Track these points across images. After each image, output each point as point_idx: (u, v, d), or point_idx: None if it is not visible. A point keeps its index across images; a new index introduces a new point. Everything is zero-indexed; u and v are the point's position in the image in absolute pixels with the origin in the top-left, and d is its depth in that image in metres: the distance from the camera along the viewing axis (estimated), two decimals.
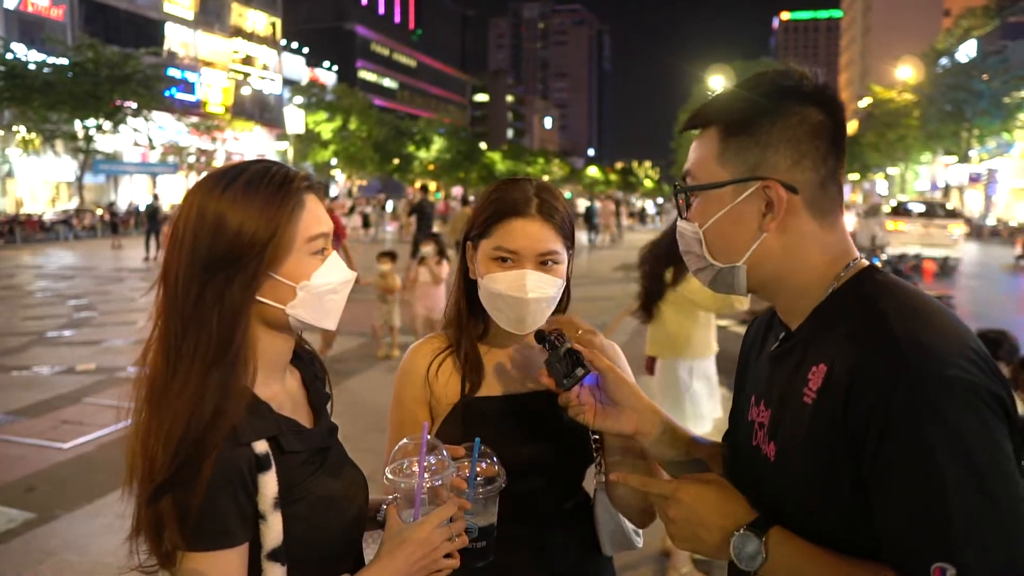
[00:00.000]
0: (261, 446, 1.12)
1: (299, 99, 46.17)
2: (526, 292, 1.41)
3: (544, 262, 1.44)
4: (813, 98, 1.06)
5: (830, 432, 0.96)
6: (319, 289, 1.18)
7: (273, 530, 1.11)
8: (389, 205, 41.91)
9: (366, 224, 30.30)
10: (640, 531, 1.54)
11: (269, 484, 1.11)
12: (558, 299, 1.49)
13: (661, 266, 3.91)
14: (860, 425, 0.92)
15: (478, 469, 1.29)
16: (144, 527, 1.09)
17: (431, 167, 58.31)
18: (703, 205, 1.10)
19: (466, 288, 1.55)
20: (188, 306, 1.10)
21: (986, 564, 0.85)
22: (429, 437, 1.21)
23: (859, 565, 0.95)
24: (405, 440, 1.24)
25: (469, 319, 1.54)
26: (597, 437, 1.48)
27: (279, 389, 1.23)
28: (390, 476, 1.19)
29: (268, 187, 1.14)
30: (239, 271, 1.11)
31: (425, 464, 1.19)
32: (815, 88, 1.06)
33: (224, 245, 1.11)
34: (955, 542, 0.86)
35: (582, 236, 28.23)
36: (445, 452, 1.24)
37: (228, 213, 1.12)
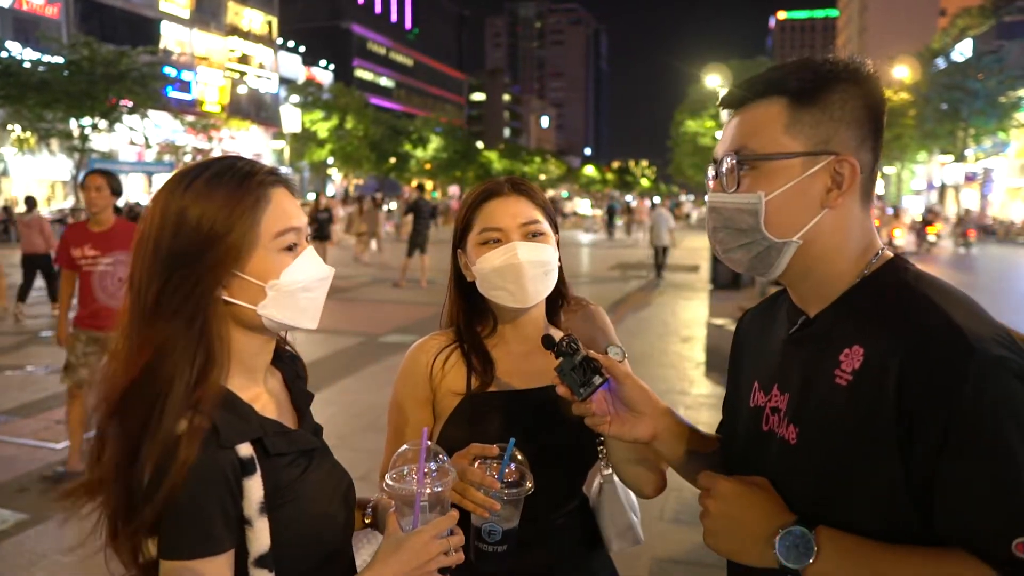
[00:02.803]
0: (245, 449, 1.09)
1: (295, 98, 46.06)
2: (519, 258, 1.44)
3: (530, 234, 1.48)
4: (871, 83, 1.06)
5: (873, 413, 0.95)
6: (290, 287, 1.13)
7: (260, 536, 1.08)
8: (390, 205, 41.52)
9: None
10: (639, 526, 1.55)
11: (254, 488, 1.08)
12: (555, 270, 1.51)
13: None
14: (923, 407, 0.92)
15: (506, 471, 1.28)
16: (120, 536, 1.05)
17: (428, 166, 58.26)
18: (768, 175, 1.06)
19: (459, 294, 1.56)
20: (149, 306, 1.07)
21: None
22: (430, 443, 1.18)
23: (923, 553, 0.94)
24: (405, 446, 1.22)
25: (469, 321, 1.55)
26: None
27: (261, 390, 1.20)
28: (390, 483, 1.17)
29: (230, 182, 1.11)
30: (197, 268, 1.08)
31: (426, 470, 1.16)
32: (872, 74, 1.07)
33: (184, 241, 1.08)
34: None
35: (599, 235, 33.97)
36: (446, 458, 1.21)
37: (189, 209, 1.09)
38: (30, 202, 12.64)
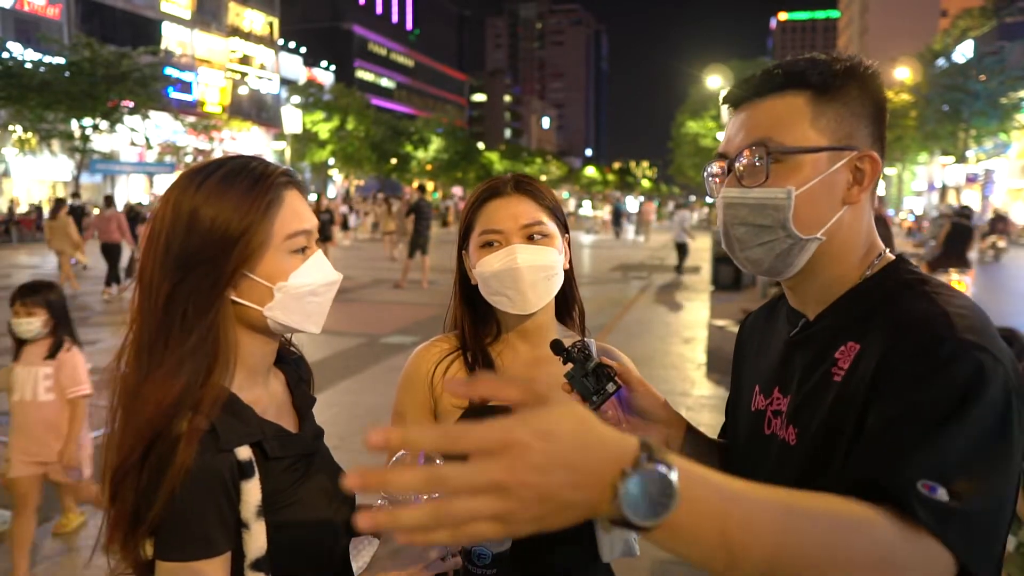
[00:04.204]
0: (244, 452, 1.08)
1: (296, 99, 46.08)
2: (517, 262, 1.39)
3: (531, 236, 1.42)
4: (876, 81, 1.06)
5: (852, 406, 0.93)
6: (298, 290, 1.13)
7: (256, 539, 1.08)
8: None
9: (345, 227, 28.80)
10: (637, 538, 1.51)
11: (252, 492, 1.07)
12: (560, 273, 1.45)
13: None
14: (886, 390, 0.88)
15: None
16: (119, 536, 1.05)
17: (429, 167, 58.27)
18: (795, 169, 1.03)
19: (464, 296, 1.52)
20: (160, 306, 1.07)
21: (975, 499, 0.81)
22: (436, 459, 1.18)
23: (826, 499, 0.77)
24: (403, 452, 1.21)
25: (473, 326, 1.51)
26: None
27: (262, 392, 1.20)
28: (390, 494, 1.16)
29: (243, 182, 1.10)
30: (210, 269, 1.07)
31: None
32: (876, 72, 1.06)
33: (197, 242, 1.07)
34: (951, 467, 0.81)
35: (599, 235, 35.73)
36: (442, 463, 1.20)
37: (202, 209, 1.08)
38: (108, 200, 15.16)
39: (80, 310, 11.86)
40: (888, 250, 1.09)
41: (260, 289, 1.12)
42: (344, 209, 31.16)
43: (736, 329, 1.41)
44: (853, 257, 1.06)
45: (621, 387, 1.18)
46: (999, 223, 24.25)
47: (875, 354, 0.93)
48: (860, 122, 1.04)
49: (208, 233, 1.07)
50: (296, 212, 1.14)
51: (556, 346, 1.24)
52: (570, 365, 1.20)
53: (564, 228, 1.50)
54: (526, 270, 1.39)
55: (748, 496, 0.70)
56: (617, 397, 1.20)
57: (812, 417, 1.02)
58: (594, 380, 1.16)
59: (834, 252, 1.06)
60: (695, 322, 10.87)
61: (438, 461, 1.20)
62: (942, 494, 0.80)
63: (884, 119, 1.07)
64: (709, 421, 6.09)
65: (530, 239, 1.42)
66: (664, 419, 1.21)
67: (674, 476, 0.65)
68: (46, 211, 32.23)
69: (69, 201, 21.31)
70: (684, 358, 8.47)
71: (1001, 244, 21.77)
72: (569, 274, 1.52)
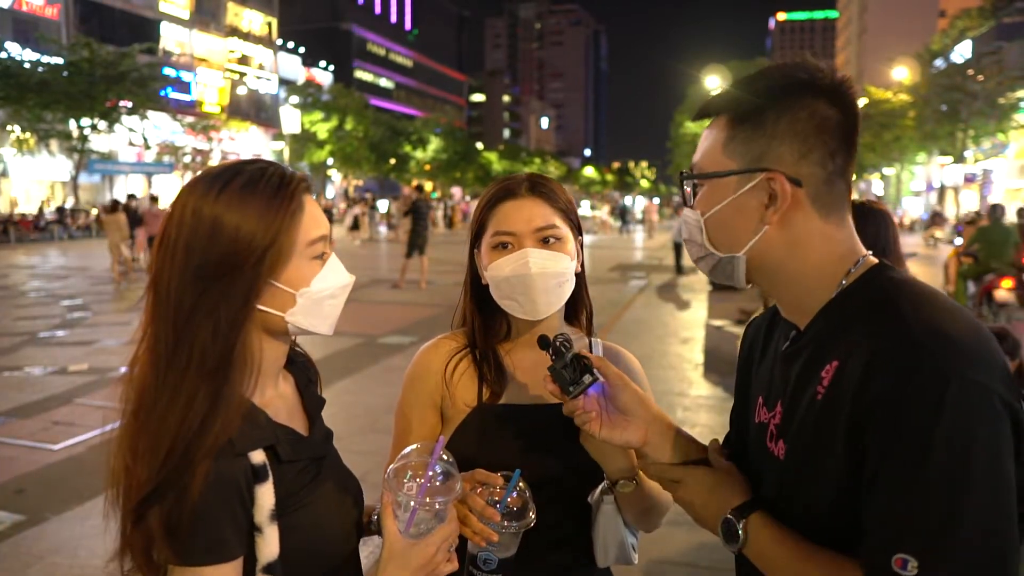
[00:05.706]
0: (258, 456, 1.07)
1: (295, 99, 46.14)
2: (529, 268, 1.37)
3: (545, 239, 1.41)
4: (825, 92, 1.03)
5: (836, 424, 0.94)
6: (319, 295, 1.13)
7: (269, 543, 1.07)
8: (382, 205, 41.49)
9: (355, 227, 29.64)
10: (636, 546, 1.47)
11: (266, 496, 1.07)
12: (571, 279, 1.44)
13: None
14: (866, 411, 0.90)
15: (508, 500, 1.25)
16: (132, 543, 1.03)
17: (427, 167, 58.27)
18: (708, 194, 1.08)
19: (474, 294, 1.51)
20: (181, 316, 1.05)
21: (948, 568, 0.84)
22: (443, 455, 1.16)
23: (827, 556, 0.97)
24: (417, 445, 1.19)
25: (483, 324, 1.50)
26: None
27: (273, 395, 1.19)
28: (392, 486, 1.14)
29: (266, 189, 1.09)
30: (237, 279, 1.06)
31: (431, 473, 1.14)
32: (829, 83, 1.03)
33: (220, 251, 1.05)
34: (925, 538, 0.85)
35: (598, 236, 36.88)
36: (452, 462, 1.18)
37: (224, 217, 1.06)
38: (155, 198, 19.13)
39: (82, 309, 11.86)
40: (870, 253, 1.06)
41: (283, 296, 1.11)
42: (356, 211, 31.39)
43: (733, 329, 1.42)
44: (812, 270, 1.04)
45: (599, 379, 1.18)
46: (937, 218, 31.00)
47: (852, 378, 0.92)
48: (772, 142, 1.02)
49: (233, 243, 1.05)
50: (315, 218, 1.14)
51: (543, 340, 1.24)
52: (554, 358, 1.21)
53: (578, 230, 1.49)
54: (538, 277, 1.38)
55: (798, 553, 1.00)
56: (598, 390, 1.19)
57: (798, 434, 1.02)
58: (572, 372, 1.17)
59: (778, 268, 1.05)
60: (693, 322, 10.87)
61: (450, 460, 1.18)
62: (912, 567, 0.85)
63: (831, 131, 1.02)
64: (706, 421, 6.09)
65: (544, 242, 1.41)
66: (645, 417, 1.20)
67: (745, 524, 1.07)
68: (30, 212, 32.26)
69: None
70: (682, 358, 8.46)
71: (938, 235, 28.10)
72: (580, 277, 1.50)
